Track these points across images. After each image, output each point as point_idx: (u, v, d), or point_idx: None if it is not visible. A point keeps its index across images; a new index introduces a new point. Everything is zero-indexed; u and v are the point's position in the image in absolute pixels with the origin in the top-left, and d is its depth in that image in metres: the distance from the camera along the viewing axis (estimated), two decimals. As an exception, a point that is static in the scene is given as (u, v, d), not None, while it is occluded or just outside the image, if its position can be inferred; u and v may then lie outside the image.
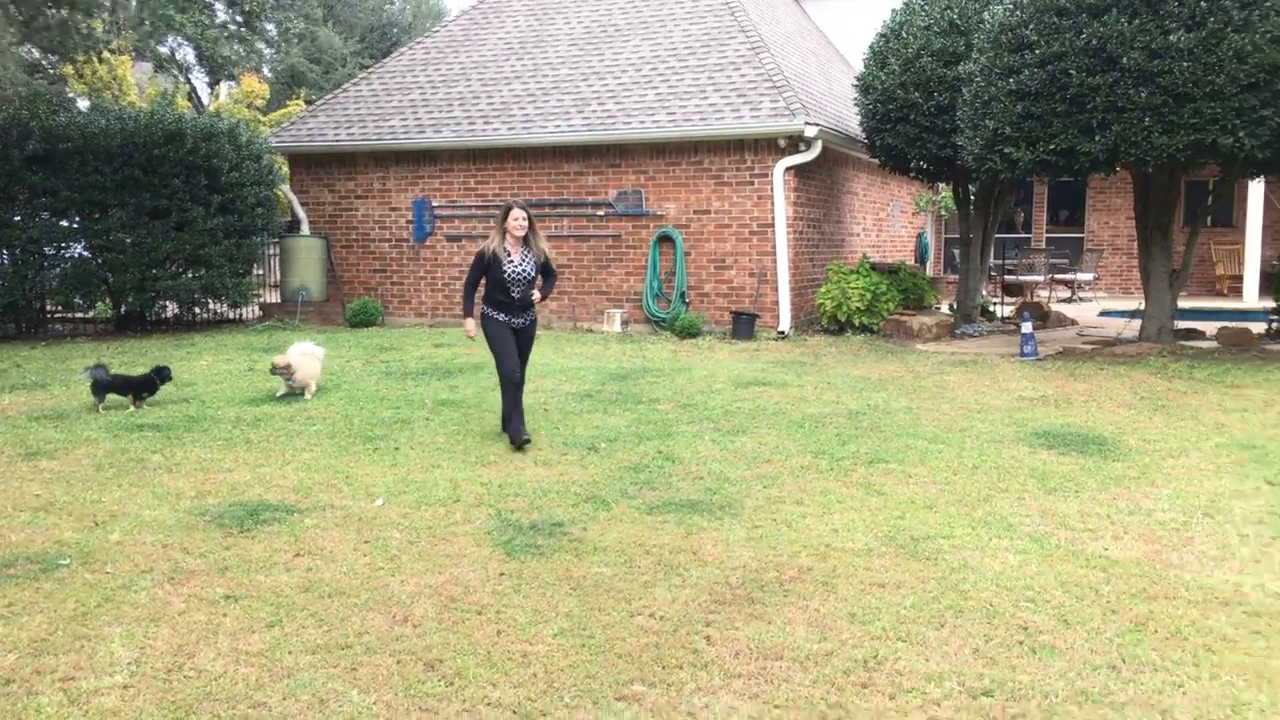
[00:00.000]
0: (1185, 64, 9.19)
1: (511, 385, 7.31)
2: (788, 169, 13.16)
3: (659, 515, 5.66)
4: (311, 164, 15.87)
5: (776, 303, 13.44)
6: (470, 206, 15.00)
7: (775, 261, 13.37)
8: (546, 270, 7.57)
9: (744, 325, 13.08)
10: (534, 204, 14.55)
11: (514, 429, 7.27)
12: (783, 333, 13.30)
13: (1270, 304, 12.95)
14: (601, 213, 14.26)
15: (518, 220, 7.35)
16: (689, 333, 13.24)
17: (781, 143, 13.08)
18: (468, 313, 7.58)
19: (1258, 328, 12.60)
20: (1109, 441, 7.33)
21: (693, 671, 3.76)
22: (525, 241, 7.40)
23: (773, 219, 13.28)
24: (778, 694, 3.59)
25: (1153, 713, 3.45)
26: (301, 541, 5.22)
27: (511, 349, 7.39)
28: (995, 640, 4.04)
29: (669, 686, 3.65)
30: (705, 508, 5.79)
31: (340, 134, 15.46)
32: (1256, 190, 17.58)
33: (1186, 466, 6.67)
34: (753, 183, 13.36)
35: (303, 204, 15.90)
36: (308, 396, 9.11)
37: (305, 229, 15.74)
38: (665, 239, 13.91)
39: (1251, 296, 18.04)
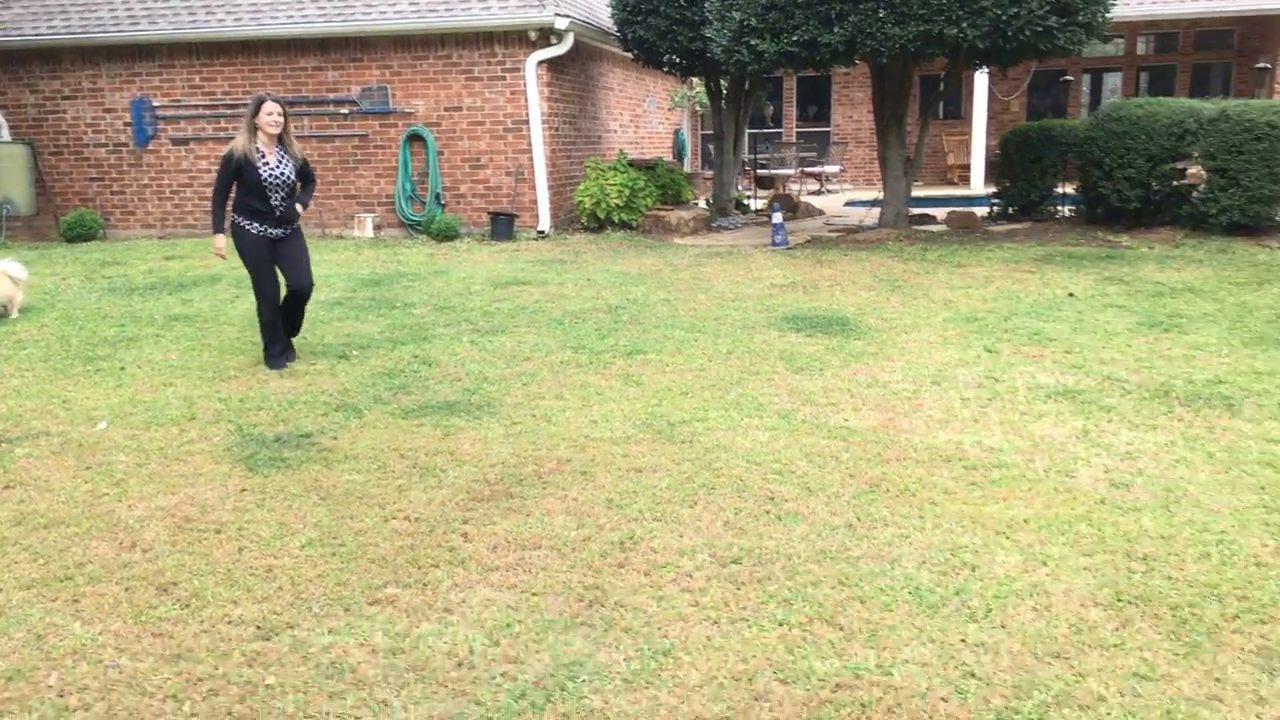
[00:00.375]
0: (913, -45, 9.57)
1: (270, 306, 6.58)
2: (540, 63, 12.87)
3: (414, 419, 5.51)
4: (8, 62, 14.17)
5: (535, 202, 13.26)
6: (197, 106, 13.87)
7: (532, 159, 13.15)
8: (306, 174, 6.69)
9: (503, 225, 12.86)
10: (272, 104, 13.64)
11: (274, 354, 6.65)
12: (543, 232, 13.18)
13: (993, 189, 13.92)
14: (345, 111, 13.53)
15: (271, 115, 6.37)
16: (446, 235, 12.89)
17: (533, 35, 12.75)
18: (217, 228, 6.52)
19: (982, 211, 13.53)
20: (851, 322, 7.71)
21: (449, 569, 3.70)
22: (280, 140, 6.49)
23: (527, 115, 13.01)
24: (535, 582, 3.58)
25: (883, 563, 3.68)
26: (11, 473, 4.75)
27: (269, 266, 6.55)
28: (745, 512, 4.18)
29: (424, 586, 3.57)
30: (463, 408, 5.69)
31: (40, 27, 13.85)
32: (981, 83, 18.71)
33: (919, 341, 7.11)
34: (505, 78, 13.00)
35: (0, 107, 14.24)
36: (12, 316, 8.25)
37: (5, 135, 14.11)
38: (416, 138, 13.38)
39: (979, 183, 19.34)
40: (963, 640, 3.15)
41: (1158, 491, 4.31)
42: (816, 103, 22.79)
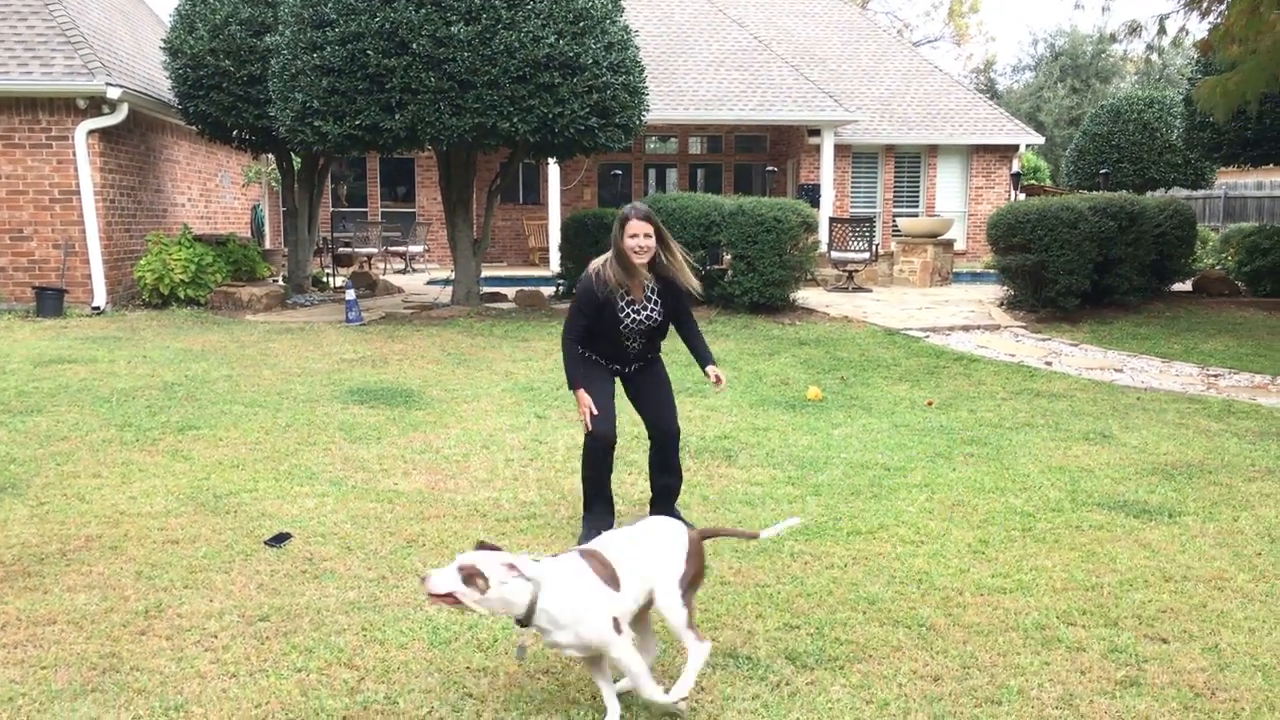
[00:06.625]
0: (466, 54, 10.26)
1: (599, 449, 4.81)
2: (91, 132, 12.21)
3: (-77, 506, 5.11)
4: None
5: (89, 276, 12.46)
6: None
7: (85, 232, 12.37)
8: (679, 312, 4.83)
9: (50, 301, 11.95)
10: None
11: (590, 516, 4.93)
12: (98, 308, 12.40)
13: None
14: None
15: (636, 239, 4.54)
16: (-17, 312, 11.77)
17: (81, 103, 12.09)
18: (574, 381, 4.74)
19: (550, 291, 14.54)
20: (415, 393, 8.08)
21: (-53, 653, 3.55)
22: (654, 270, 4.68)
23: (78, 186, 12.26)
24: (46, 656, 3.54)
25: (408, 609, 4.01)
26: None
27: (608, 399, 4.80)
28: (281, 573, 4.35)
29: (-84, 672, 3.41)
30: (-17, 492, 5.36)
31: None
32: (554, 172, 20.10)
33: (476, 409, 7.61)
34: (51, 145, 12.19)
35: None
36: None
37: None
38: (-55, 206, 12.14)
39: (556, 264, 20.59)
40: (467, 668, 3.55)
41: (656, 530, 5.02)
42: (403, 184, 23.27)
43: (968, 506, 5.41)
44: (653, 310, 4.70)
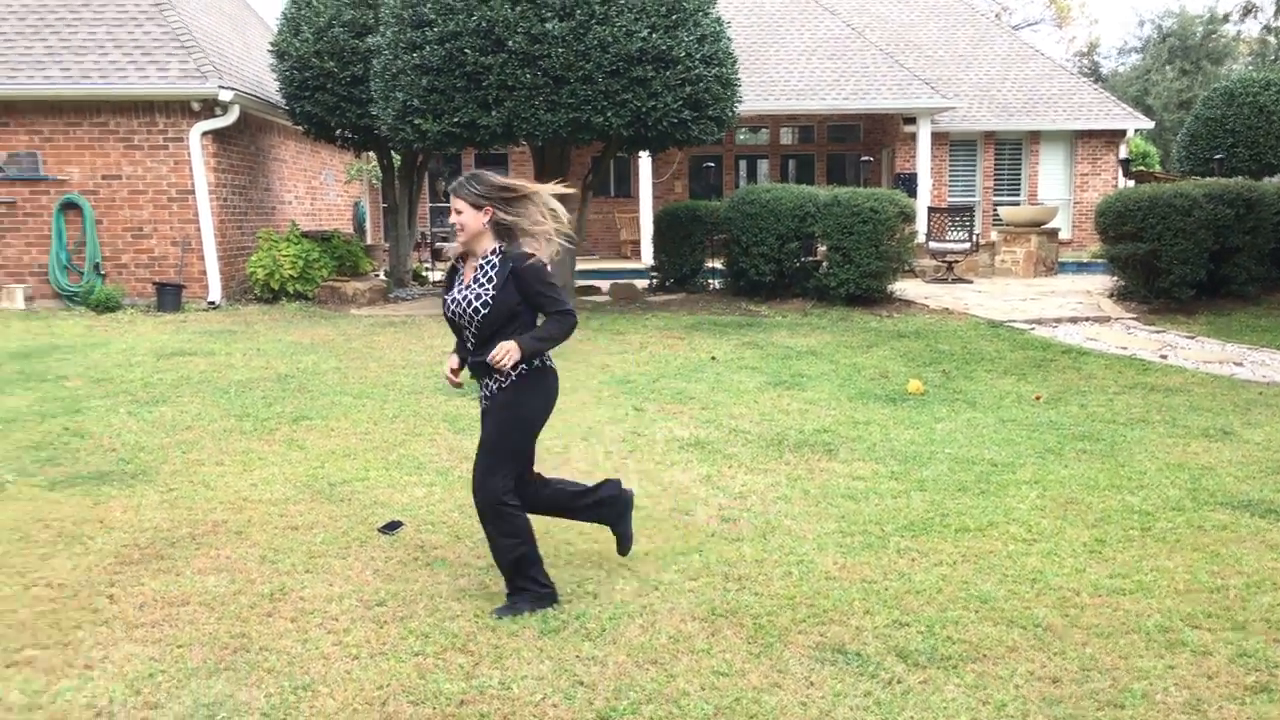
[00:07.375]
0: (560, 50, 10.37)
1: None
2: (205, 133, 12.68)
3: (63, 490, 5.40)
4: None
5: (205, 272, 12.95)
6: None
7: (200, 229, 12.86)
8: (532, 297, 3.87)
9: (169, 296, 12.45)
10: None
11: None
12: (213, 303, 12.87)
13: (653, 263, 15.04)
14: (-12, 176, 12.65)
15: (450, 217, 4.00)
16: (107, 306, 12.30)
17: (196, 106, 12.57)
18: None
19: (644, 284, 14.60)
20: (516, 386, 8.19)
21: (92, 629, 3.75)
22: (496, 251, 3.91)
23: (193, 185, 12.74)
24: (181, 635, 3.71)
25: (518, 596, 4.10)
26: None
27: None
28: (395, 560, 4.49)
29: (66, 646, 3.61)
30: (116, 477, 5.62)
31: None
32: (645, 165, 20.18)
33: (574, 401, 7.68)
34: (168, 146, 12.69)
35: None
36: None
37: None
38: (72, 206, 12.71)
39: (648, 257, 20.65)
40: (577, 656, 3.61)
41: (759, 524, 5.02)
42: (498, 178, 23.57)
43: (1081, 504, 5.30)
44: (474, 296, 3.84)
